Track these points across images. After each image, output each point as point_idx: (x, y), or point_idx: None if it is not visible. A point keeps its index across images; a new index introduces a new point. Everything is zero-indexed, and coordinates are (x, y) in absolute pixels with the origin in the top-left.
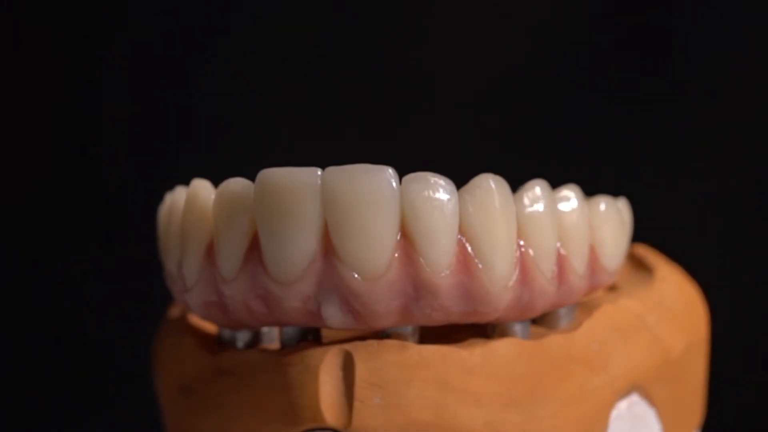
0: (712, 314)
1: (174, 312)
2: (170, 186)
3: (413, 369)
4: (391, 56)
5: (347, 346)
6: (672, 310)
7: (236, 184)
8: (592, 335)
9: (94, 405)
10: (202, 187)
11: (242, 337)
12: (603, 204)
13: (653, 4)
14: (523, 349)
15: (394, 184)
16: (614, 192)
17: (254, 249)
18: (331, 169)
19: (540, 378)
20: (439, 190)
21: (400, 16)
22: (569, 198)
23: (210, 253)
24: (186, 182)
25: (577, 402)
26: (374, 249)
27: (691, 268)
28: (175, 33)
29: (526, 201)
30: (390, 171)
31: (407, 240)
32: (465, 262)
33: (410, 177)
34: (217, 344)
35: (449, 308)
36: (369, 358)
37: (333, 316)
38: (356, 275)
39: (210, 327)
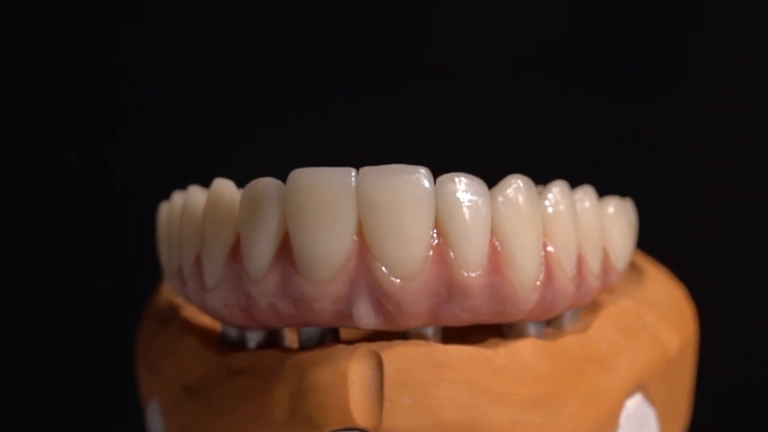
0: (701, 315)
1: (157, 309)
2: (165, 186)
3: (441, 369)
4: (392, 55)
5: (374, 346)
6: (665, 310)
7: (266, 183)
8: (601, 335)
9: (95, 405)
10: (226, 186)
11: (254, 337)
12: (613, 205)
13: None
14: (544, 349)
15: (429, 184)
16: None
17: (284, 248)
18: (367, 169)
19: (560, 378)
20: (473, 190)
21: (405, 16)
22: (585, 199)
23: (236, 253)
24: (185, 184)
25: (594, 402)
26: (409, 249)
27: (681, 268)
28: (175, 32)
29: (550, 201)
30: (425, 171)
31: (441, 240)
32: (496, 263)
33: (445, 177)
34: (222, 343)
35: (479, 309)
36: (397, 358)
37: (364, 316)
38: (391, 275)
39: (208, 325)
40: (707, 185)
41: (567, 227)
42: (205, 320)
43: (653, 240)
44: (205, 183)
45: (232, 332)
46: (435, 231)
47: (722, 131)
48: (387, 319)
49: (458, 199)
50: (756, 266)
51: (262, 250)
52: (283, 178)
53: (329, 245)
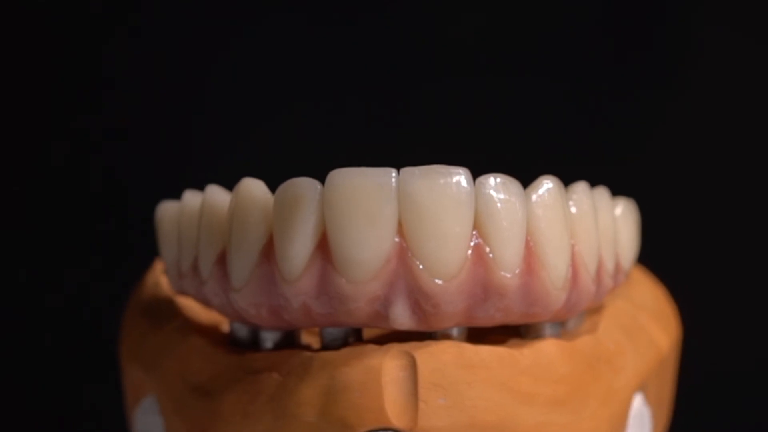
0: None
1: (145, 307)
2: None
3: (473, 369)
4: (389, 55)
5: (405, 347)
6: (653, 310)
7: (302, 183)
8: (609, 336)
9: (94, 405)
10: (256, 186)
11: (271, 337)
12: (621, 205)
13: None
14: (564, 349)
15: (470, 184)
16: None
17: (321, 249)
18: (408, 170)
19: (578, 378)
20: (511, 191)
21: (404, 15)
22: (601, 199)
23: (268, 253)
24: (177, 184)
25: (609, 402)
26: (450, 250)
27: (668, 269)
28: (174, 31)
29: (575, 202)
30: (466, 172)
31: (480, 241)
32: (530, 263)
33: (484, 178)
34: (230, 343)
35: (512, 309)
36: (430, 358)
37: (400, 316)
38: (431, 276)
39: (210, 324)
40: (700, 186)
41: (591, 228)
42: (205, 319)
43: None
44: (200, 183)
45: (243, 332)
46: (474, 232)
47: (718, 132)
48: (422, 319)
49: (498, 199)
50: (739, 267)
51: (298, 250)
52: (280, 179)
53: (370, 246)
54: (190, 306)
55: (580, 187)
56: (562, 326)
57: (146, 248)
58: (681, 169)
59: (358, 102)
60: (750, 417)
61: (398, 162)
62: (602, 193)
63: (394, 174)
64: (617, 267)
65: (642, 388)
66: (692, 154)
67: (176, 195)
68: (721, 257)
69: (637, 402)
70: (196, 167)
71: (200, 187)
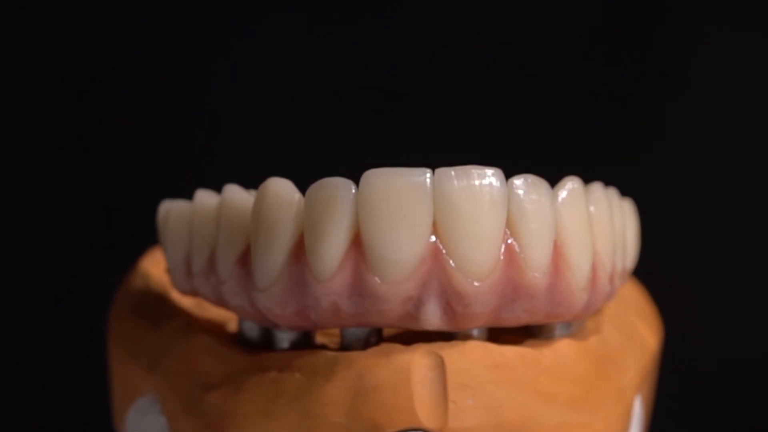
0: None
1: (137, 305)
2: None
3: (499, 370)
4: (389, 55)
5: (433, 347)
6: (639, 310)
7: (336, 183)
8: (612, 336)
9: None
10: (283, 185)
11: (287, 337)
12: (625, 206)
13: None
14: (578, 349)
15: (503, 185)
16: None
17: (355, 248)
18: (443, 170)
19: (592, 378)
20: (541, 191)
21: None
22: (613, 200)
23: (298, 253)
24: (183, 184)
25: (619, 402)
26: (484, 250)
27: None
28: (173, 29)
29: (592, 202)
30: (499, 172)
31: (512, 241)
32: (557, 264)
33: (516, 178)
34: (240, 343)
35: (538, 310)
36: (458, 358)
37: (431, 317)
38: (465, 276)
39: (215, 323)
40: (699, 186)
41: (608, 228)
42: (207, 319)
43: None
44: (200, 183)
45: (254, 332)
46: (507, 232)
47: (718, 132)
48: (452, 320)
49: (530, 200)
50: (739, 268)
51: (331, 250)
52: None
53: (406, 246)
54: (188, 304)
55: (597, 188)
56: (568, 326)
57: (145, 248)
58: (681, 169)
59: (357, 102)
60: (750, 417)
61: (399, 161)
62: (613, 193)
63: (429, 174)
64: (623, 267)
65: (640, 389)
66: (692, 154)
67: (176, 195)
68: (720, 257)
69: (638, 403)
70: (196, 167)
71: (200, 186)
